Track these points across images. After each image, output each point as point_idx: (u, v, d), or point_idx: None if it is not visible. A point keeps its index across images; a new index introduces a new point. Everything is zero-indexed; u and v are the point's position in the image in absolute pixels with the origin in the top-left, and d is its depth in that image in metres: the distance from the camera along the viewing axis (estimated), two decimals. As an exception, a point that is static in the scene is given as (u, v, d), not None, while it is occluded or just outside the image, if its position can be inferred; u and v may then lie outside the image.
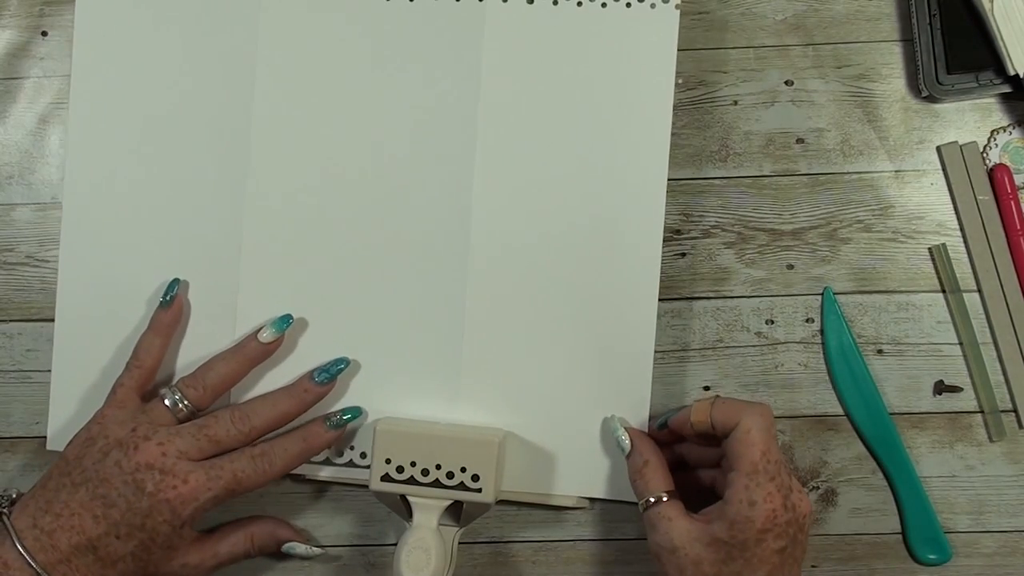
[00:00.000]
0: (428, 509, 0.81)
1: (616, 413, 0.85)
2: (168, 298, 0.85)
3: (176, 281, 0.86)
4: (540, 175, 0.86)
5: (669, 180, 0.87)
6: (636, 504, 0.80)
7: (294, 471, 0.85)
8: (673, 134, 0.87)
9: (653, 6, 0.86)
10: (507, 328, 0.86)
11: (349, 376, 0.86)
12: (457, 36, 0.87)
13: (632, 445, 0.82)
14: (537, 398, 0.86)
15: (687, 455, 0.84)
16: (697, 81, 0.88)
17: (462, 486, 0.80)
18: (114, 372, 0.84)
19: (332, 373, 0.84)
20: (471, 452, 0.81)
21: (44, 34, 0.90)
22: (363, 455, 0.86)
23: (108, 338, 0.87)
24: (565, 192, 0.86)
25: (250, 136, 0.87)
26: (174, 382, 0.83)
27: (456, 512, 0.82)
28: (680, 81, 0.88)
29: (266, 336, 0.84)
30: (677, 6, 0.86)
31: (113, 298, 0.87)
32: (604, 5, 0.86)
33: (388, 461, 0.81)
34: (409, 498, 0.81)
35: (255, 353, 0.84)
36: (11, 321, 0.89)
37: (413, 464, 0.80)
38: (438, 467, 0.80)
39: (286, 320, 0.85)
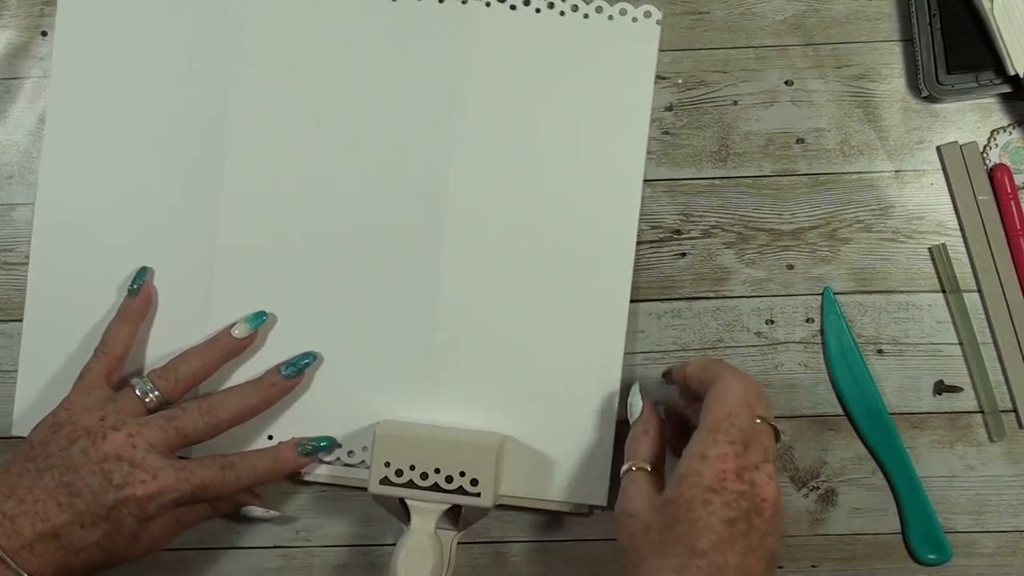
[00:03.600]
0: (426, 513, 0.81)
1: (583, 409, 0.86)
2: (136, 286, 0.85)
3: (144, 269, 0.86)
4: (516, 179, 0.87)
5: (669, 180, 0.88)
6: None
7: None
8: (673, 134, 0.88)
9: (635, 20, 0.87)
10: (478, 326, 0.86)
11: (314, 369, 0.87)
12: (438, 37, 0.87)
13: (642, 412, 0.81)
14: (506, 395, 0.86)
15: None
16: (697, 81, 0.88)
17: (461, 490, 0.80)
18: (81, 359, 0.84)
19: (299, 367, 0.85)
20: (470, 456, 0.81)
21: (44, 34, 0.90)
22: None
23: (77, 326, 0.88)
24: (540, 199, 0.87)
25: (226, 131, 0.87)
26: (145, 373, 0.83)
27: (455, 516, 0.83)
28: (680, 81, 0.88)
29: (240, 332, 0.84)
30: (658, 22, 0.87)
31: (84, 287, 0.88)
32: (586, 16, 0.87)
33: (387, 464, 0.81)
34: (407, 502, 0.81)
35: (228, 348, 0.84)
36: (11, 321, 0.89)
37: (412, 468, 0.80)
38: (437, 471, 0.80)
39: (260, 316, 0.85)
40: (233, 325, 0.85)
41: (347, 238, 0.87)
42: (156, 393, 0.81)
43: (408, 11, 0.87)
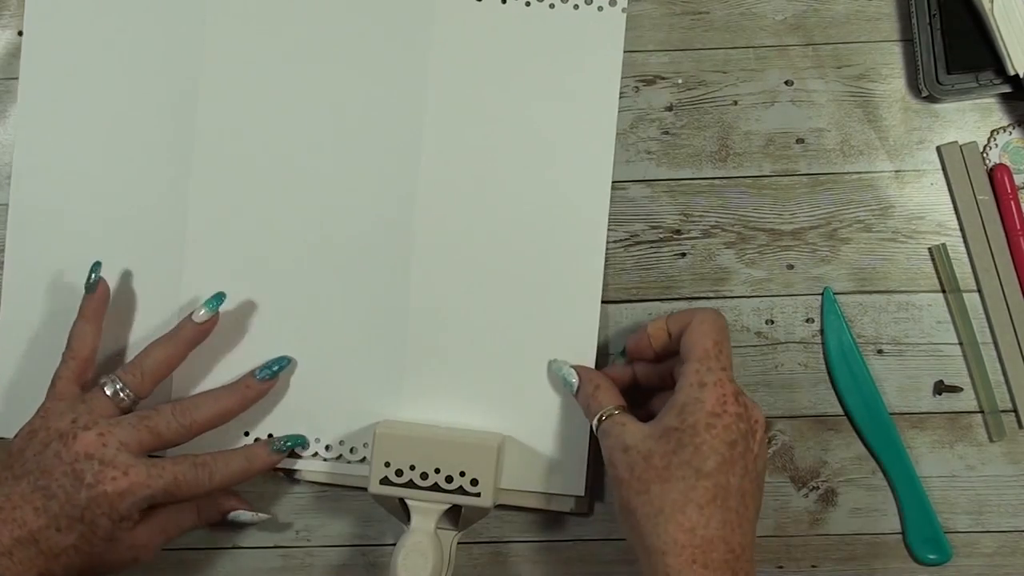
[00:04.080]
0: (426, 513, 0.81)
1: (559, 404, 0.86)
2: (92, 282, 0.84)
3: (98, 264, 0.85)
4: (486, 170, 0.87)
5: (669, 180, 0.88)
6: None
7: (292, 470, 0.87)
8: (673, 134, 0.88)
9: (600, 9, 0.87)
10: (451, 322, 0.87)
11: (288, 373, 0.87)
12: (406, 30, 0.87)
13: (579, 377, 0.83)
14: (483, 391, 0.87)
15: (641, 377, 0.85)
16: (697, 81, 0.88)
17: (461, 490, 0.80)
18: (56, 357, 0.84)
19: (274, 371, 0.85)
20: (470, 456, 0.81)
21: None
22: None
23: (53, 325, 0.87)
24: (510, 192, 0.87)
25: (195, 126, 0.87)
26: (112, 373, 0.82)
27: (454, 516, 0.82)
28: (680, 81, 0.88)
29: (200, 316, 0.84)
30: (624, 10, 0.87)
31: (59, 285, 0.88)
32: (552, 6, 0.87)
33: (387, 464, 0.81)
34: (407, 502, 0.81)
35: (191, 335, 0.84)
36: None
37: (412, 468, 0.81)
38: (437, 471, 0.80)
39: (219, 298, 0.84)
40: (193, 311, 0.84)
41: (318, 233, 0.87)
42: (126, 391, 0.81)
43: (373, 2, 0.87)
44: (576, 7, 0.87)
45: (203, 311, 0.84)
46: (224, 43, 0.87)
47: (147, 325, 0.87)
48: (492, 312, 0.87)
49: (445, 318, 0.87)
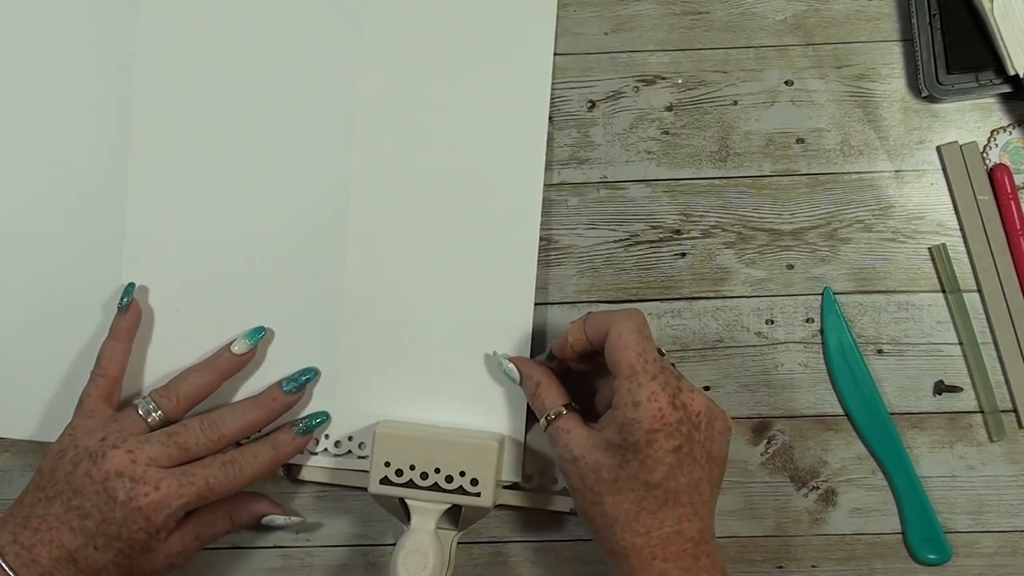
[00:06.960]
0: (426, 513, 0.81)
1: (495, 398, 0.86)
2: (124, 303, 0.85)
3: (131, 285, 0.86)
4: (418, 155, 0.87)
5: (669, 180, 0.88)
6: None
7: (294, 466, 0.87)
8: (673, 134, 0.88)
9: None
10: (385, 315, 0.87)
11: (314, 384, 0.87)
12: (337, 12, 0.87)
13: (520, 372, 0.83)
14: (418, 383, 0.87)
15: (574, 367, 0.84)
16: (697, 81, 0.88)
17: (461, 490, 0.80)
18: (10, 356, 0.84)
19: (300, 383, 0.85)
20: (470, 456, 0.81)
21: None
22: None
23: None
24: (442, 182, 0.87)
25: (130, 118, 0.87)
26: (147, 392, 0.83)
27: (455, 516, 0.83)
28: (680, 81, 0.88)
29: (239, 348, 0.85)
30: None
31: None
32: None
33: (387, 464, 0.81)
34: (407, 501, 0.81)
35: (228, 365, 0.85)
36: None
37: (412, 467, 0.81)
38: (437, 471, 0.80)
39: (259, 332, 0.85)
40: (232, 342, 0.85)
41: (253, 226, 0.87)
42: (159, 412, 0.81)
43: None
44: None
45: (242, 343, 0.85)
46: (157, 29, 0.87)
47: (87, 321, 0.87)
48: (427, 305, 0.86)
49: (380, 310, 0.87)
